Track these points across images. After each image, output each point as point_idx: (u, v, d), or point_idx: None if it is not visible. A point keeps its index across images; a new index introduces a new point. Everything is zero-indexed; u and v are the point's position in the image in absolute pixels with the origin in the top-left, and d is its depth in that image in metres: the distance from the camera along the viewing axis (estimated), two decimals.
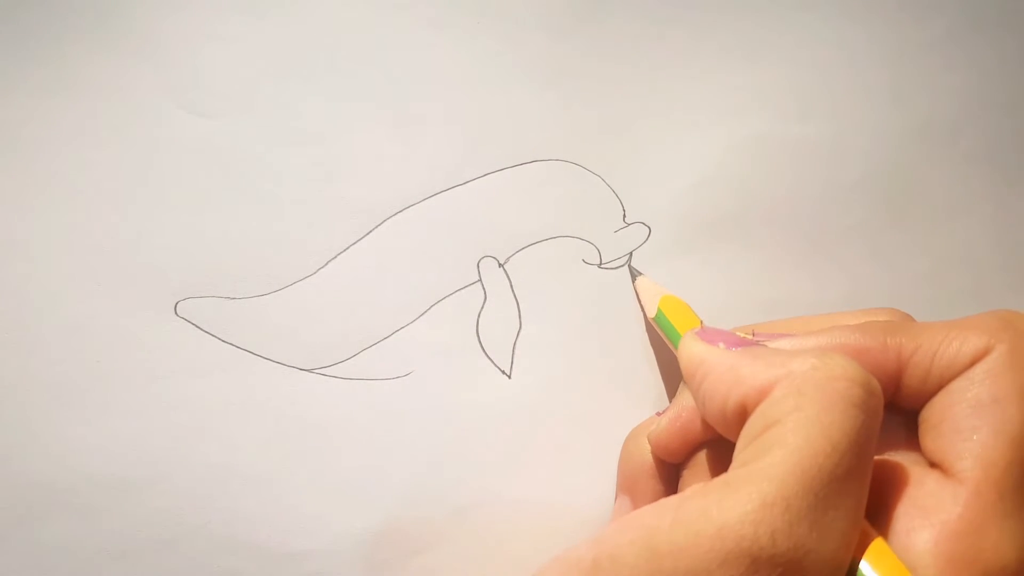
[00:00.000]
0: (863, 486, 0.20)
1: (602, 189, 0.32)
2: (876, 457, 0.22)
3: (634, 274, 0.32)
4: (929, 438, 0.23)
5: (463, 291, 0.31)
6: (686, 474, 0.27)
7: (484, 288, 0.31)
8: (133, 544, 0.28)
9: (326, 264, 0.30)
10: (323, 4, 0.30)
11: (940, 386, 0.23)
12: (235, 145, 0.30)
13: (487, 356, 0.31)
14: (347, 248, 0.30)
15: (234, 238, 0.30)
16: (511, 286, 0.31)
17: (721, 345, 0.24)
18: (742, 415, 0.22)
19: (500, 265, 0.31)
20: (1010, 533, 0.21)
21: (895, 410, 0.24)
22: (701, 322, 0.28)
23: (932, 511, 0.21)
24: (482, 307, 0.31)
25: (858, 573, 0.20)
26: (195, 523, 0.29)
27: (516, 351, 0.31)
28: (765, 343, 0.25)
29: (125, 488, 0.28)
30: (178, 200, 0.30)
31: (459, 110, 0.31)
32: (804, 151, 0.32)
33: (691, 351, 0.25)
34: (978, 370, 0.22)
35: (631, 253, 0.32)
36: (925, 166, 0.33)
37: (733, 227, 0.32)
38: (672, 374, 0.31)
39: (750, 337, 0.26)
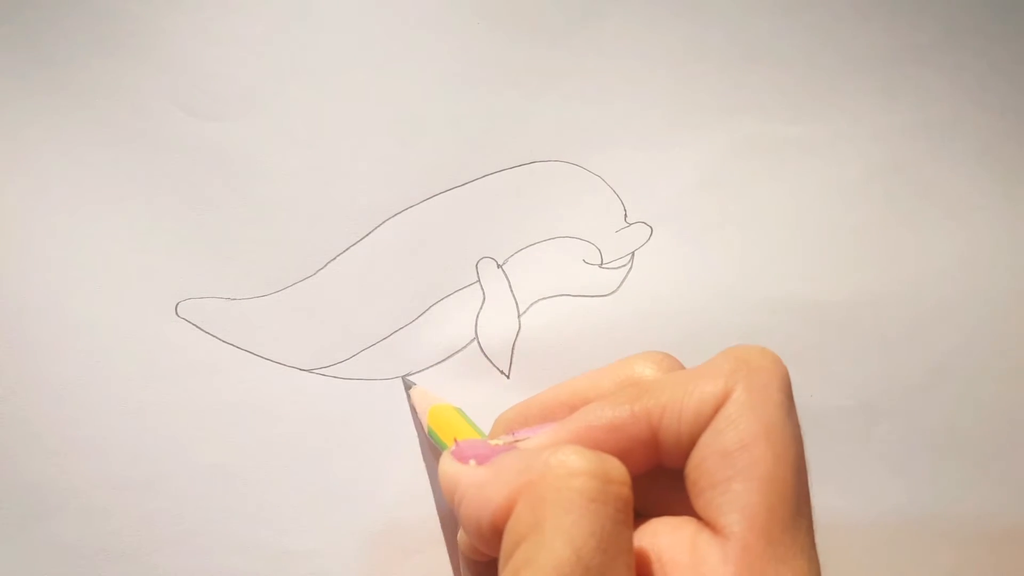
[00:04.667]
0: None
1: (603, 189, 0.32)
2: (656, 526, 0.22)
3: (407, 385, 0.30)
4: (694, 496, 0.22)
5: (462, 291, 0.31)
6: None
7: (482, 289, 0.31)
8: (133, 544, 0.29)
9: (326, 265, 0.30)
10: (322, 6, 0.30)
11: (693, 442, 0.22)
12: (235, 146, 0.30)
13: (486, 357, 0.31)
14: (347, 248, 0.30)
15: (234, 238, 0.30)
16: (510, 287, 0.31)
17: (472, 462, 0.23)
18: (498, 535, 0.21)
19: (499, 266, 0.31)
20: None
21: (669, 473, 0.23)
22: (456, 439, 0.26)
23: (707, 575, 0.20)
24: (480, 308, 0.31)
25: None
26: (195, 523, 0.29)
27: (515, 351, 0.31)
28: (518, 444, 0.24)
29: (125, 488, 0.29)
30: (178, 200, 0.30)
31: (459, 111, 0.31)
32: (803, 151, 0.32)
33: (447, 474, 0.23)
34: (720, 418, 0.21)
35: (633, 253, 0.32)
36: (925, 165, 0.33)
37: (734, 227, 0.32)
38: None
39: (507, 440, 0.25)
